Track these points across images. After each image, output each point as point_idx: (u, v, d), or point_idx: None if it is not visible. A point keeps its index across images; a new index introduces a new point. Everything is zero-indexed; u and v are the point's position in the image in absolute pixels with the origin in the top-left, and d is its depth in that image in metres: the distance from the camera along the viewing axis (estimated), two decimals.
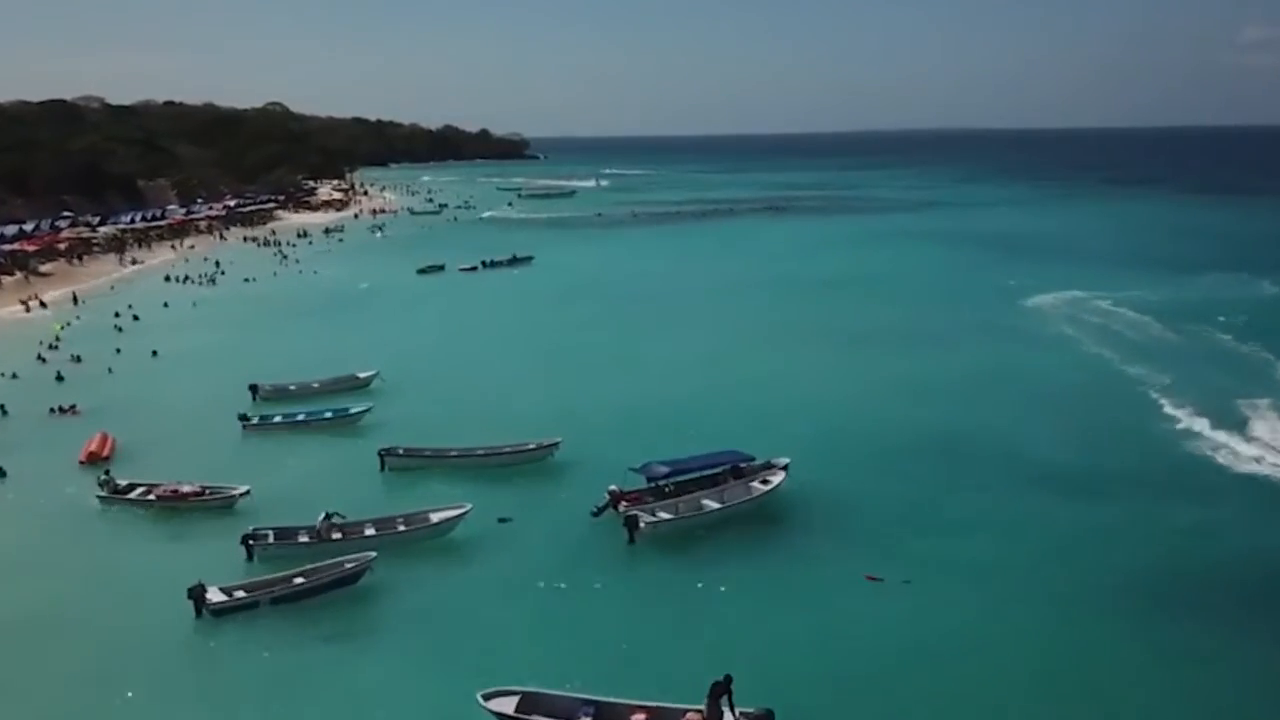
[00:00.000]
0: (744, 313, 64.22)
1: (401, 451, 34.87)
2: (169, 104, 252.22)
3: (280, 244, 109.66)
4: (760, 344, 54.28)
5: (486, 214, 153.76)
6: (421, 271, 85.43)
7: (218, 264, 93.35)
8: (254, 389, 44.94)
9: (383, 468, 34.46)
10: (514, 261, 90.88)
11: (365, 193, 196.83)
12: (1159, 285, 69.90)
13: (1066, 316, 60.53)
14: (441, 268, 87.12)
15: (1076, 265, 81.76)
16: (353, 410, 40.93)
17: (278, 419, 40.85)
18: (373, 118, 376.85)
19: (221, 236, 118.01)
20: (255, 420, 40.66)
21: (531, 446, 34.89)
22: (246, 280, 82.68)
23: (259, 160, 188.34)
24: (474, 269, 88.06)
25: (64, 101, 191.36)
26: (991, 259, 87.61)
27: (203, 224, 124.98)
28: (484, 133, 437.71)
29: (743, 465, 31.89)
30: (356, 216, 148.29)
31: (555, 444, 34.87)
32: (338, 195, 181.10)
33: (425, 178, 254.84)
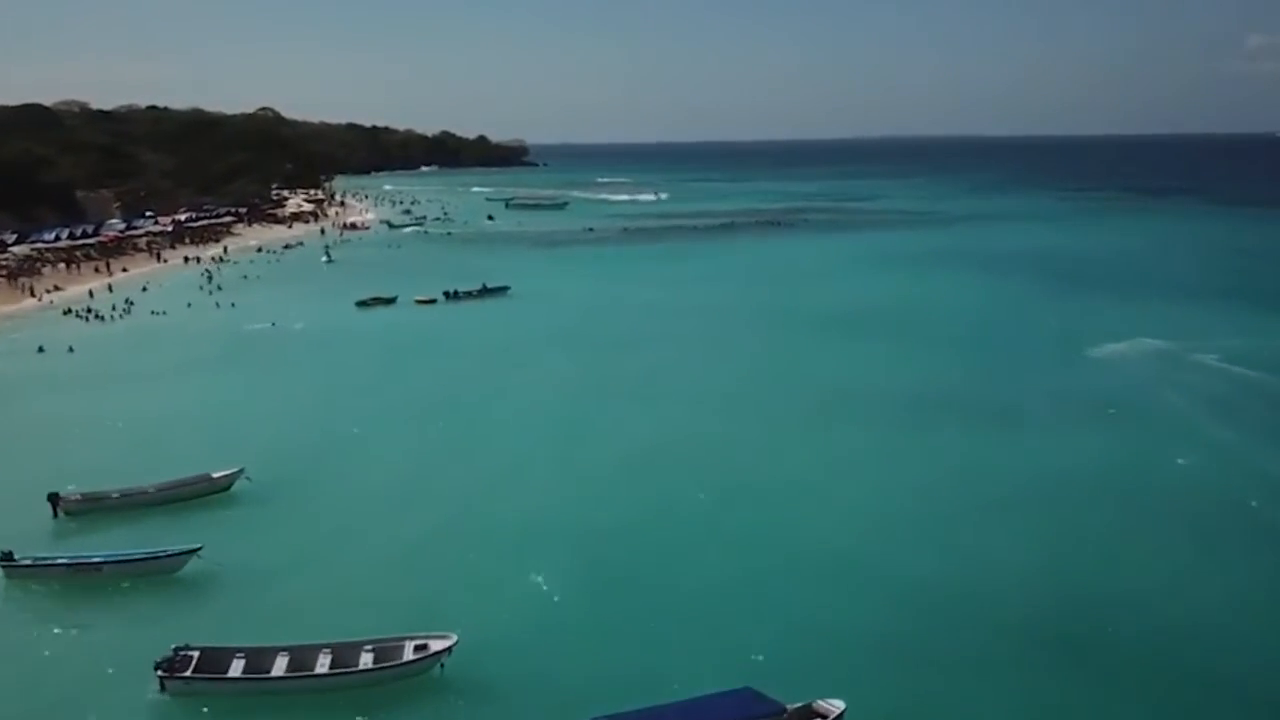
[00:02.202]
0: (751, 371, 50.41)
1: (189, 675, 21.35)
2: (152, 108, 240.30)
3: (221, 264, 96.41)
4: (775, 427, 40.23)
5: (466, 228, 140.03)
6: (363, 304, 71.05)
7: (145, 289, 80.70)
8: (54, 501, 31.57)
9: (162, 689, 21.16)
10: (484, 292, 76.13)
11: (342, 203, 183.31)
12: (1264, 329, 56.74)
13: (1162, 379, 47.20)
14: (392, 300, 72.75)
15: (1144, 299, 68.74)
16: (172, 552, 27.50)
17: (60, 561, 27.64)
18: (368, 123, 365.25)
19: (160, 257, 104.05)
20: (25, 562, 27.49)
21: (409, 658, 21.40)
22: (154, 313, 69.19)
23: (228, 167, 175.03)
24: (432, 302, 73.93)
25: (42, 106, 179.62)
26: (1036, 289, 74.50)
27: (142, 241, 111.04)
28: (482, 139, 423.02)
29: None
30: (323, 232, 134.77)
31: (447, 648, 21.40)
32: (309, 207, 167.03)
33: (387, 186, 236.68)
